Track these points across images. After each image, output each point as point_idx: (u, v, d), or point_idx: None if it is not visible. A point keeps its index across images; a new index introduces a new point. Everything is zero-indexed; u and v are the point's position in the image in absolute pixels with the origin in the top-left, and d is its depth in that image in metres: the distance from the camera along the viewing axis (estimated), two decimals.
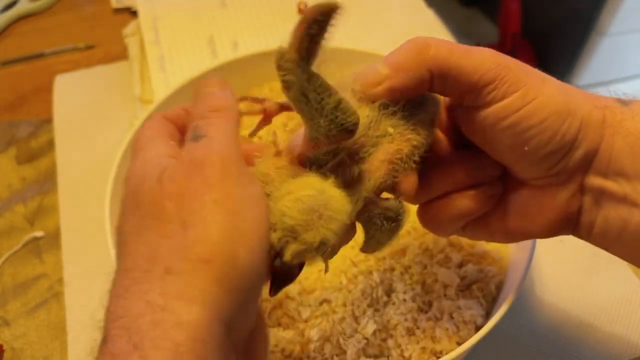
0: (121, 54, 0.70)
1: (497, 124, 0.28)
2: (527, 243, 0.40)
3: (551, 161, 0.28)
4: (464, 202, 0.31)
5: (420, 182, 0.30)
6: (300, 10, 0.72)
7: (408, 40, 0.28)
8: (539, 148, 0.28)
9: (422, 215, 0.33)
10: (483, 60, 0.27)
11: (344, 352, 0.39)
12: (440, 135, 0.32)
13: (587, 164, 0.29)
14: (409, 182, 0.29)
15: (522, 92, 0.27)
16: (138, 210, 0.23)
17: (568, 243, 0.51)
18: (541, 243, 0.50)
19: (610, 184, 0.29)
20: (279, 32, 0.70)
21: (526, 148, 0.28)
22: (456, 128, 0.32)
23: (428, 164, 0.30)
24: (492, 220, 0.32)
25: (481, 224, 0.33)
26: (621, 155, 0.28)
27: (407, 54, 0.27)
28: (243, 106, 0.32)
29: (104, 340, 0.21)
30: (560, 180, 0.30)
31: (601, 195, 0.29)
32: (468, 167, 0.31)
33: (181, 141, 0.26)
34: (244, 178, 0.23)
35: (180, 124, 0.29)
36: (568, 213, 0.30)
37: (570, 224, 0.31)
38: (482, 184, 0.31)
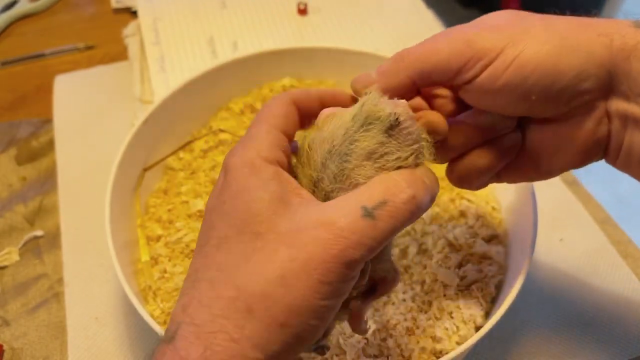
0: (121, 55, 0.70)
1: (492, 88, 0.29)
2: (527, 243, 0.40)
3: (564, 98, 0.29)
4: (483, 158, 0.32)
5: (439, 146, 0.32)
6: (299, 11, 0.72)
7: (395, 54, 0.31)
8: (545, 93, 0.29)
9: (449, 175, 0.34)
10: (450, 47, 0.29)
11: (344, 352, 0.39)
12: (448, 100, 0.33)
13: (605, 90, 0.29)
14: None
15: (504, 53, 0.28)
16: (253, 241, 0.25)
17: (568, 243, 0.51)
18: (541, 243, 0.50)
19: (633, 107, 0.29)
20: (279, 32, 0.70)
21: (533, 97, 0.29)
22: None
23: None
24: (523, 163, 0.33)
25: (513, 169, 0.34)
26: None
27: (390, 63, 0.31)
28: None
29: (173, 337, 0.24)
30: (582, 110, 0.30)
31: (626, 120, 0.30)
32: (481, 125, 0.32)
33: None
34: (357, 271, 0.25)
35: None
36: (597, 139, 0.31)
37: (600, 149, 0.31)
38: (500, 137, 0.32)
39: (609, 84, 0.29)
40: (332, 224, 0.24)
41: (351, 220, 0.24)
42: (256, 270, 0.24)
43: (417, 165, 0.28)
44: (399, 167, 0.27)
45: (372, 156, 0.27)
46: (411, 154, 0.28)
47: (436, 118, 0.31)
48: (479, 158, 0.32)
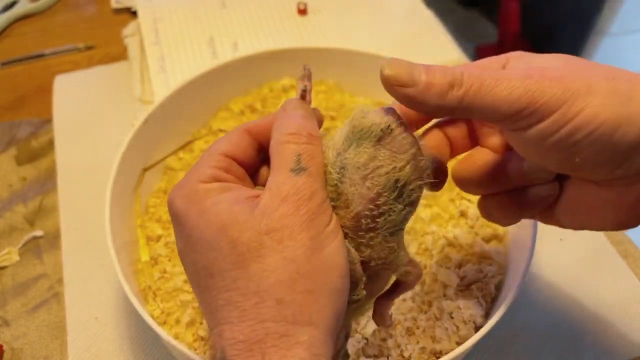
0: (121, 55, 0.70)
1: (539, 144, 0.27)
2: (527, 243, 0.40)
3: (608, 168, 0.27)
4: (517, 202, 0.32)
5: (475, 177, 0.31)
6: (299, 11, 0.72)
7: (443, 67, 0.27)
8: (591, 160, 0.27)
9: (479, 207, 0.34)
10: (511, 90, 0.26)
11: None
12: (494, 136, 0.32)
13: None
14: None
15: (562, 110, 0.26)
16: (235, 248, 0.25)
17: (568, 242, 0.51)
18: (541, 243, 0.50)
19: None
20: (279, 32, 0.70)
21: (577, 160, 0.27)
22: None
23: (479, 159, 0.32)
24: (557, 211, 0.32)
25: (546, 214, 0.32)
26: None
27: (442, 79, 0.26)
28: None
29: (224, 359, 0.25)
30: (627, 182, 0.28)
31: None
32: (520, 170, 0.31)
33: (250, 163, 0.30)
34: (328, 213, 0.27)
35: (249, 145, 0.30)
36: (638, 212, 0.29)
37: None
38: (537, 184, 0.31)
39: None
40: (285, 198, 0.26)
41: (292, 184, 0.26)
42: (259, 268, 0.25)
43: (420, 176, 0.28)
44: (397, 181, 0.27)
45: (363, 173, 0.27)
46: (407, 163, 0.27)
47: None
48: (511, 202, 0.32)
